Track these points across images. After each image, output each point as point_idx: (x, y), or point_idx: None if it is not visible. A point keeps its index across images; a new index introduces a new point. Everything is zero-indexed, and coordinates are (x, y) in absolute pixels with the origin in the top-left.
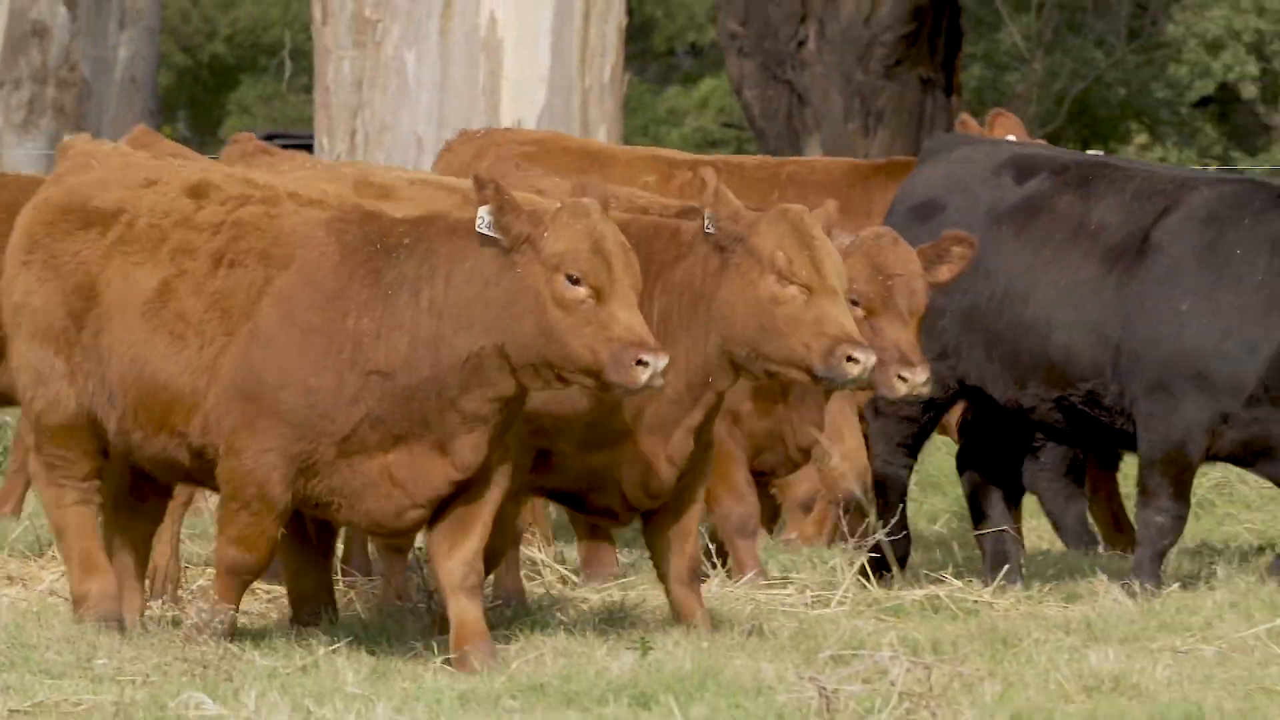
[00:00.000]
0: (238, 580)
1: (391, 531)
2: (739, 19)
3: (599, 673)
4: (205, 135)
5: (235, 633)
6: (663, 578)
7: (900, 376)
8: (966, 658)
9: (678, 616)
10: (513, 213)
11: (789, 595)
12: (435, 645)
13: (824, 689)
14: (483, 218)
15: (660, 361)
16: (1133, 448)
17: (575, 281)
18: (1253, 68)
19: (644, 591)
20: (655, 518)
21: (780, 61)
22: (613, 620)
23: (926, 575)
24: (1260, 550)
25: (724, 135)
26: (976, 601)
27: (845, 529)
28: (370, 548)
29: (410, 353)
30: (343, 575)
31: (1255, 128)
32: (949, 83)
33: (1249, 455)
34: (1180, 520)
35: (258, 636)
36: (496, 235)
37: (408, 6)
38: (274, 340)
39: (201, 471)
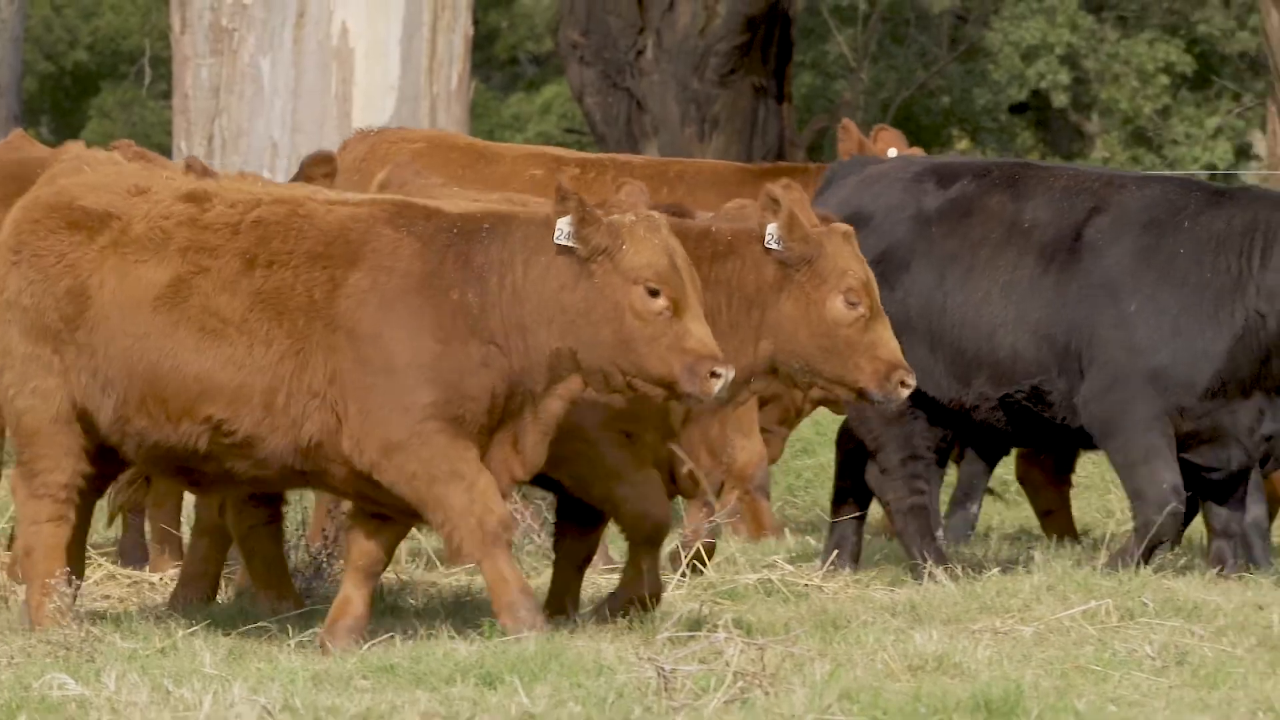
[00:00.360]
0: (507, 544)
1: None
2: (580, 29)
3: (447, 654)
4: (67, 139)
5: (96, 617)
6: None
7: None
8: (798, 639)
9: (558, 598)
10: (593, 225)
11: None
12: (290, 627)
13: (662, 669)
14: (561, 229)
15: (730, 374)
16: (1076, 444)
17: (654, 294)
18: (1064, 77)
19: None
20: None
21: (620, 70)
22: (461, 605)
23: (759, 561)
24: (1076, 536)
25: (566, 140)
26: (807, 585)
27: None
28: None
29: (509, 333)
30: None
31: (1070, 133)
32: (780, 90)
33: (1191, 444)
34: (1177, 490)
35: (119, 620)
36: (574, 245)
37: (263, 16)
38: (381, 333)
39: (215, 457)
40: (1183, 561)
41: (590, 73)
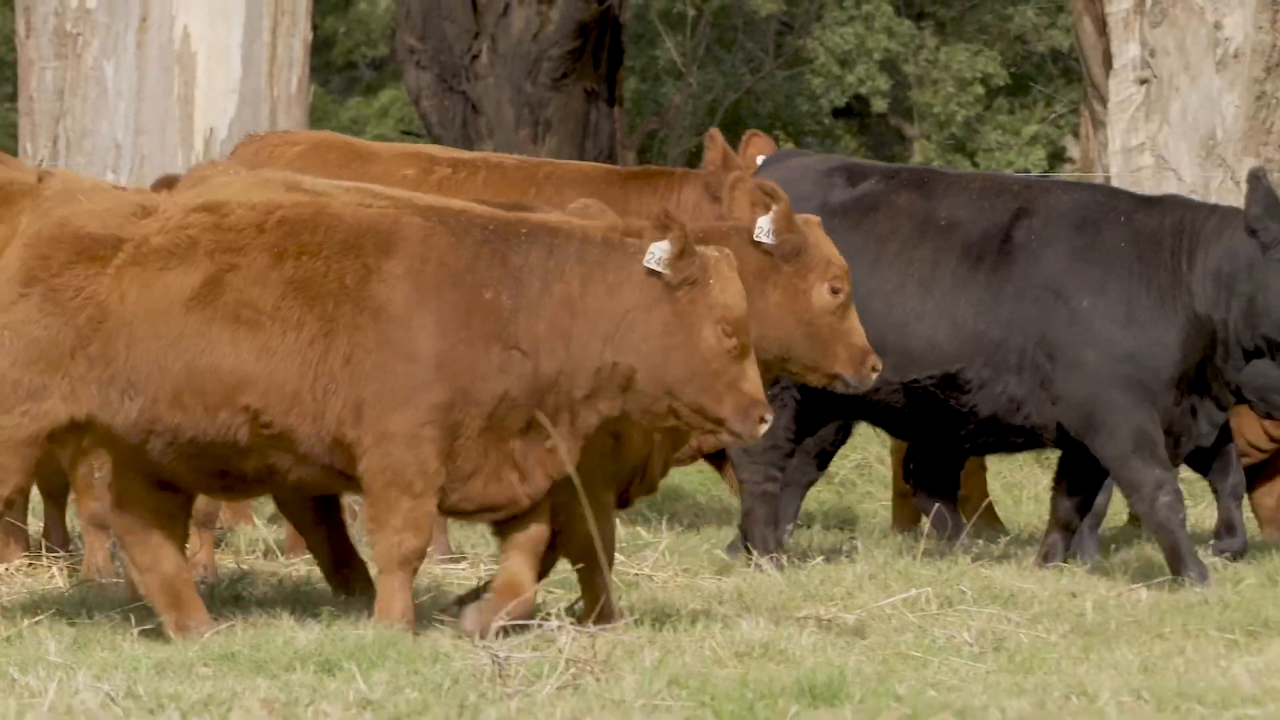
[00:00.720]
0: (413, 571)
1: (505, 516)
2: (416, 34)
3: (287, 642)
4: None
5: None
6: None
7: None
8: (628, 626)
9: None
10: (690, 256)
11: (463, 570)
12: (133, 615)
13: (497, 656)
14: (654, 253)
15: (771, 419)
16: (978, 430)
17: (729, 334)
18: (883, 83)
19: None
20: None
21: (455, 74)
22: (301, 594)
23: None
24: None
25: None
26: (637, 575)
27: None
28: (72, 524)
29: (544, 339)
30: (45, 551)
31: (892, 137)
32: (611, 94)
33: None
34: (1177, 492)
35: None
36: (663, 271)
37: (107, 21)
38: (410, 318)
39: (256, 450)
40: (999, 551)
41: (426, 76)
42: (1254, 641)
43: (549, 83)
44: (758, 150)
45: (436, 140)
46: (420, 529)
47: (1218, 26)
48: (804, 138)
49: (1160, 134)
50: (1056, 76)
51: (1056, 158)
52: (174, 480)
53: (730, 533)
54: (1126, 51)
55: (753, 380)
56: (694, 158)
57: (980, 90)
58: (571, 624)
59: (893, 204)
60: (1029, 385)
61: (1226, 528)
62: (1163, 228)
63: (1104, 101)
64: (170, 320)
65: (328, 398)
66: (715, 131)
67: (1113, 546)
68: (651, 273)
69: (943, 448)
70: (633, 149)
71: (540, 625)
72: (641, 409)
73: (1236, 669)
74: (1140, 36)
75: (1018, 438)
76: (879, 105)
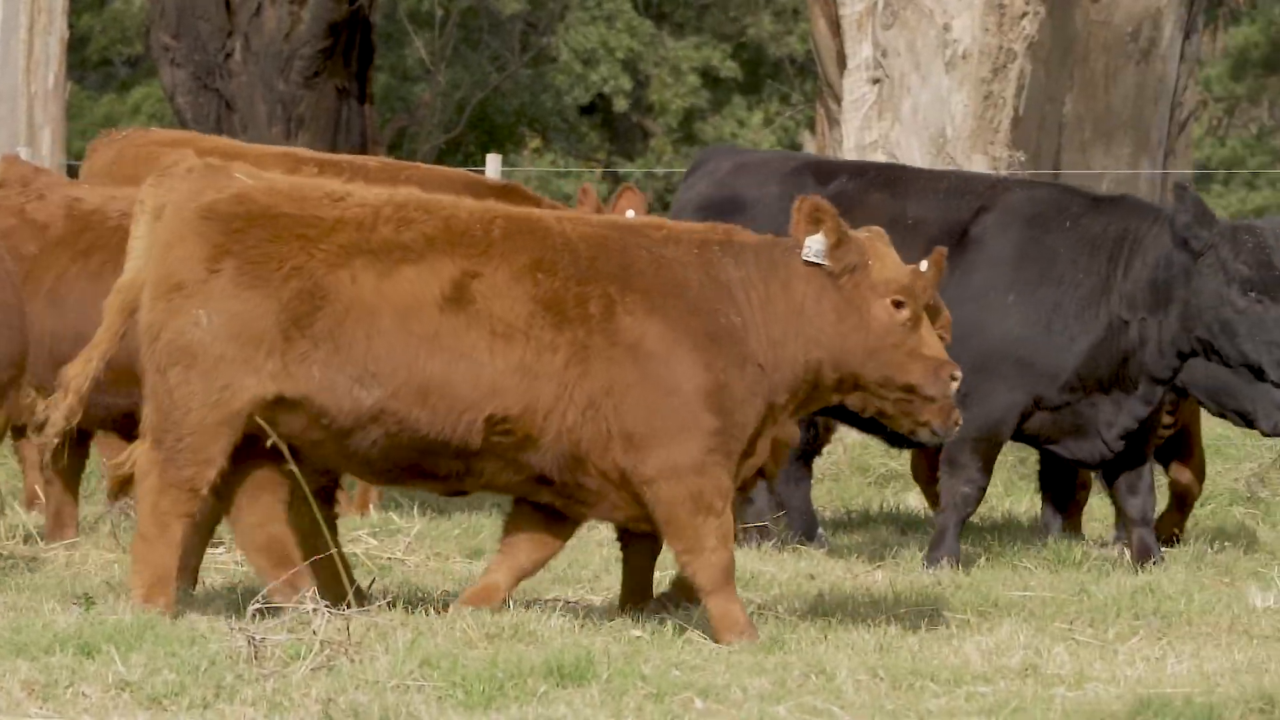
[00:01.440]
0: (733, 580)
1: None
2: (170, 32)
3: (46, 625)
4: None
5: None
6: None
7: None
8: (382, 609)
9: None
10: (848, 244)
11: (221, 554)
12: None
13: (253, 638)
14: (811, 247)
15: (960, 375)
16: None
17: (900, 306)
18: (625, 82)
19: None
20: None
21: (209, 71)
22: (62, 579)
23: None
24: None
25: None
26: (390, 559)
27: None
28: None
29: (766, 350)
30: None
31: (635, 134)
32: (363, 91)
33: (1056, 436)
34: (983, 491)
35: None
36: (825, 263)
37: None
38: (669, 354)
39: (480, 454)
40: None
41: (181, 74)
42: (985, 621)
43: (301, 80)
44: (629, 204)
45: None
46: (728, 541)
47: (947, 28)
48: (550, 134)
49: (892, 132)
50: (793, 75)
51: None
52: (341, 464)
53: (479, 519)
54: (860, 52)
55: (932, 343)
56: (444, 154)
57: (712, 84)
58: (326, 606)
59: (865, 203)
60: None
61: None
62: (1106, 233)
63: (839, 100)
64: (423, 318)
65: (584, 423)
66: (587, 185)
67: (841, 532)
68: (812, 265)
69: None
70: (384, 145)
71: (295, 607)
72: (843, 391)
73: (968, 648)
74: (873, 38)
75: None
76: (620, 103)
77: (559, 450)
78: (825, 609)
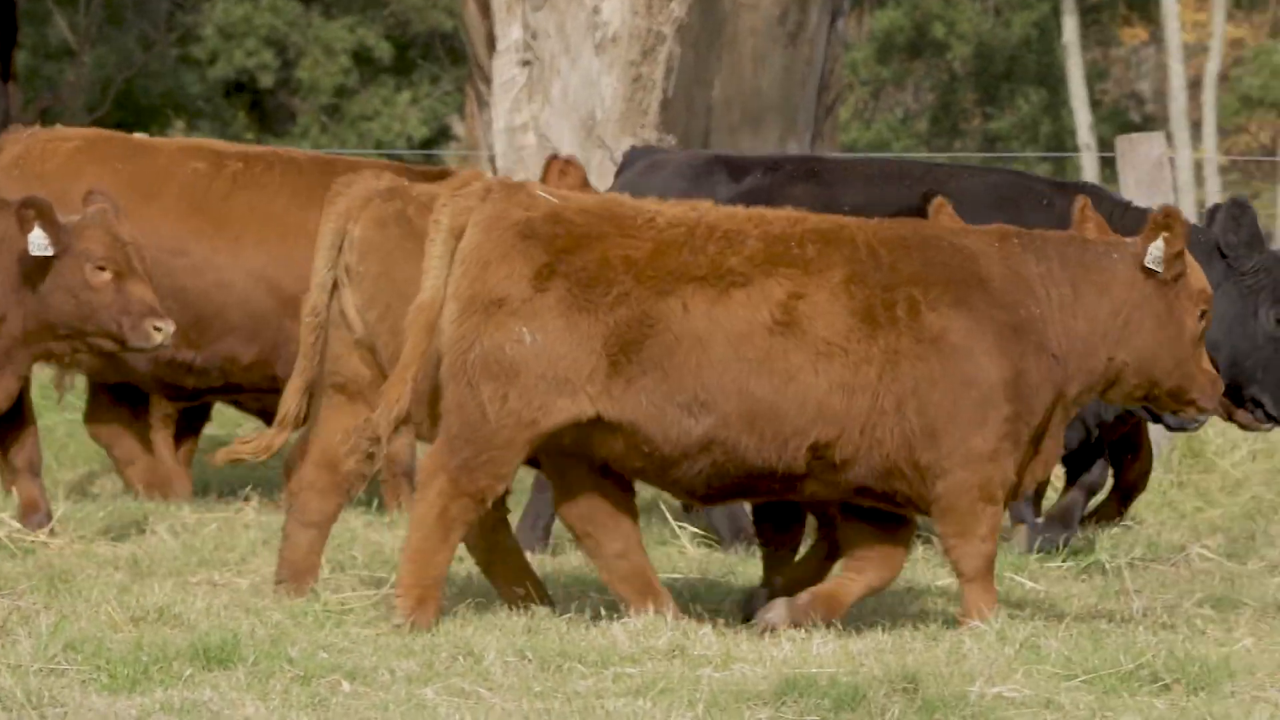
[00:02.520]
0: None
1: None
2: None
3: None
4: None
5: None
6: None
7: (155, 327)
8: (24, 593)
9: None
10: (1180, 254)
11: None
12: None
13: None
14: (1153, 254)
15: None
16: None
17: (1202, 318)
18: (269, 58)
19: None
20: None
21: None
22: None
23: None
24: None
25: None
26: (34, 542)
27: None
28: None
29: (1062, 344)
30: None
31: (283, 114)
32: (5, 70)
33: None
34: None
35: None
36: (1158, 269)
37: None
38: (971, 348)
39: (804, 477)
40: (391, 519)
41: None
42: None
43: None
44: (567, 176)
45: None
46: (996, 533)
47: (596, 11)
48: (196, 117)
49: (543, 114)
50: (443, 57)
51: (443, 135)
52: (657, 485)
53: (125, 502)
54: (509, 34)
55: (1206, 356)
56: None
57: (360, 63)
58: None
59: (788, 196)
60: None
61: (1061, 514)
62: (1068, 215)
63: (488, 82)
64: (753, 343)
65: (892, 431)
66: (571, 157)
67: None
68: (1144, 270)
69: None
70: (29, 125)
71: None
72: (1121, 395)
73: (616, 629)
74: (523, 19)
75: None
76: (266, 80)
77: (872, 463)
78: (474, 590)
